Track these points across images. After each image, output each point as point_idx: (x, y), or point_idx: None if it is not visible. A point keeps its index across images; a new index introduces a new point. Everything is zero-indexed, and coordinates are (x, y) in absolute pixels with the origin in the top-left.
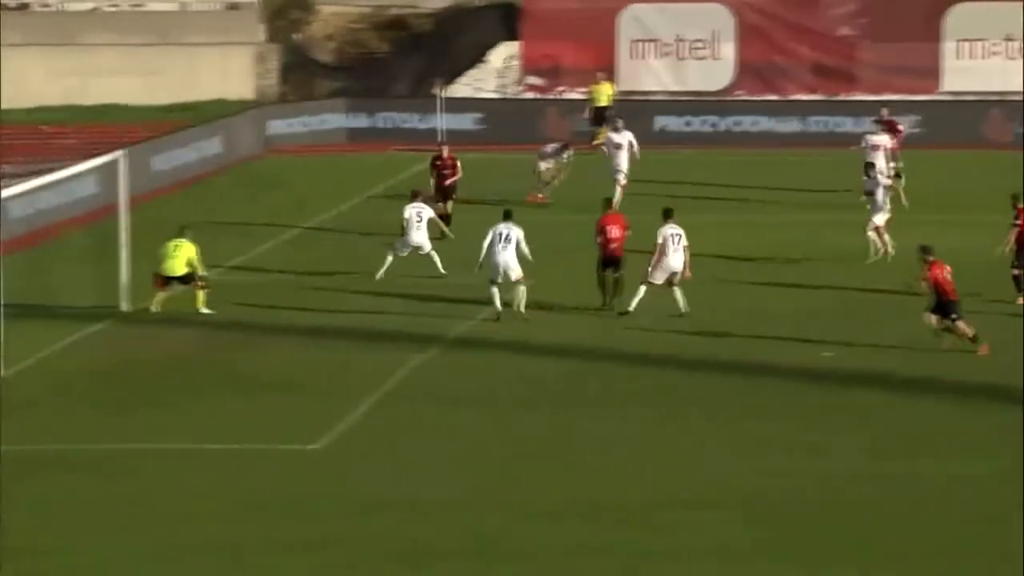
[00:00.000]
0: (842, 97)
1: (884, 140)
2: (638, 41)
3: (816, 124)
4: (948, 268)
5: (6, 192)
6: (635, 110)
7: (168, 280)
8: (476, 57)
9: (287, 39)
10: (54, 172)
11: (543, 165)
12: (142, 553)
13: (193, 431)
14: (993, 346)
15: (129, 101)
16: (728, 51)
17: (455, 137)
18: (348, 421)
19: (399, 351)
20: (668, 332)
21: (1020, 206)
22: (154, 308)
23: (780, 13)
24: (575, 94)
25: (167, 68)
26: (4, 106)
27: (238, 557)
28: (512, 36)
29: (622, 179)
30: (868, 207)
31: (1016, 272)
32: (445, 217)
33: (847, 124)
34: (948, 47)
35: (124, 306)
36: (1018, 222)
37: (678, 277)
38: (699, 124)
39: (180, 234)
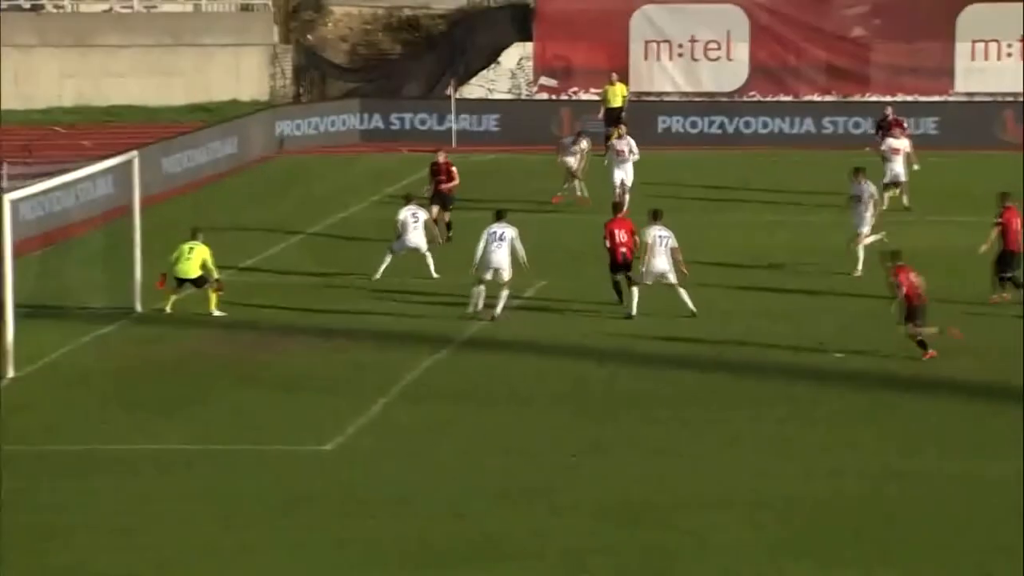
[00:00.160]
0: (856, 98)
1: (904, 144)
2: (651, 42)
3: (829, 125)
4: (915, 273)
5: (19, 193)
6: (644, 110)
7: (182, 282)
8: (489, 58)
9: (300, 40)
10: (68, 173)
11: (570, 160)
12: (152, 553)
13: (205, 432)
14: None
15: (143, 102)
16: (741, 52)
17: (467, 138)
18: (361, 422)
19: (412, 351)
20: (680, 333)
21: (1008, 205)
22: (168, 309)
23: (793, 14)
24: (588, 95)
25: (180, 69)
26: (18, 107)
27: (251, 557)
28: (525, 37)
29: (625, 191)
30: (853, 214)
31: (1002, 275)
32: (440, 223)
33: (863, 125)
34: (962, 48)
35: (138, 307)
36: (1000, 220)
37: (665, 279)
38: (706, 125)
39: (194, 236)
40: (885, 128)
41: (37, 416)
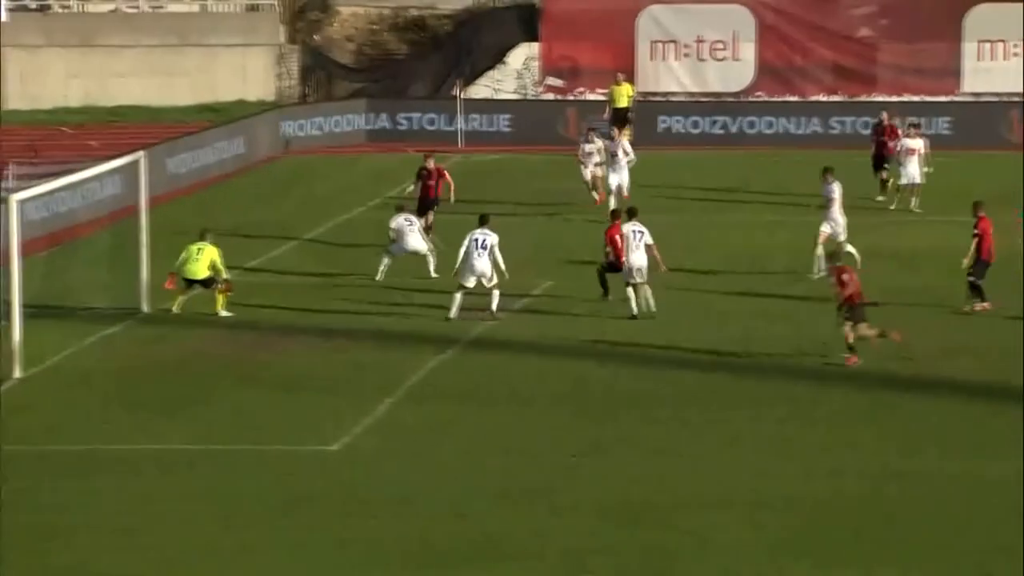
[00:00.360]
0: (862, 98)
1: (919, 145)
2: (657, 42)
3: (836, 125)
4: (853, 273)
5: (26, 193)
6: (646, 110)
7: (191, 283)
8: (495, 58)
9: (307, 40)
10: (74, 173)
11: (597, 171)
12: (154, 553)
13: (207, 432)
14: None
15: (149, 102)
16: (748, 52)
17: (474, 138)
18: (367, 422)
19: (416, 351)
20: (679, 333)
21: (981, 214)
22: (175, 310)
23: (800, 14)
24: (594, 95)
25: (186, 69)
26: (24, 107)
27: (253, 557)
28: (531, 37)
29: (623, 193)
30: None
31: (971, 279)
32: (427, 228)
33: (870, 126)
34: (968, 48)
35: (144, 307)
36: (977, 231)
37: (642, 275)
38: (708, 125)
39: (202, 237)
40: (880, 133)
41: (39, 416)
